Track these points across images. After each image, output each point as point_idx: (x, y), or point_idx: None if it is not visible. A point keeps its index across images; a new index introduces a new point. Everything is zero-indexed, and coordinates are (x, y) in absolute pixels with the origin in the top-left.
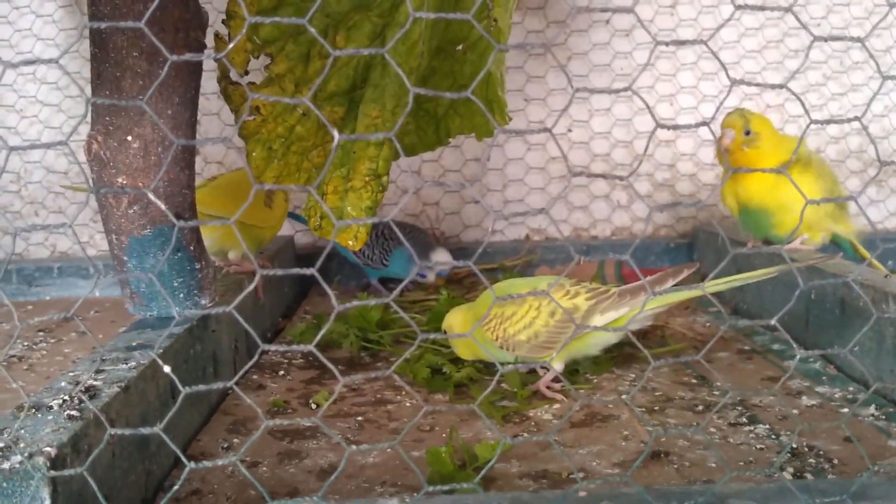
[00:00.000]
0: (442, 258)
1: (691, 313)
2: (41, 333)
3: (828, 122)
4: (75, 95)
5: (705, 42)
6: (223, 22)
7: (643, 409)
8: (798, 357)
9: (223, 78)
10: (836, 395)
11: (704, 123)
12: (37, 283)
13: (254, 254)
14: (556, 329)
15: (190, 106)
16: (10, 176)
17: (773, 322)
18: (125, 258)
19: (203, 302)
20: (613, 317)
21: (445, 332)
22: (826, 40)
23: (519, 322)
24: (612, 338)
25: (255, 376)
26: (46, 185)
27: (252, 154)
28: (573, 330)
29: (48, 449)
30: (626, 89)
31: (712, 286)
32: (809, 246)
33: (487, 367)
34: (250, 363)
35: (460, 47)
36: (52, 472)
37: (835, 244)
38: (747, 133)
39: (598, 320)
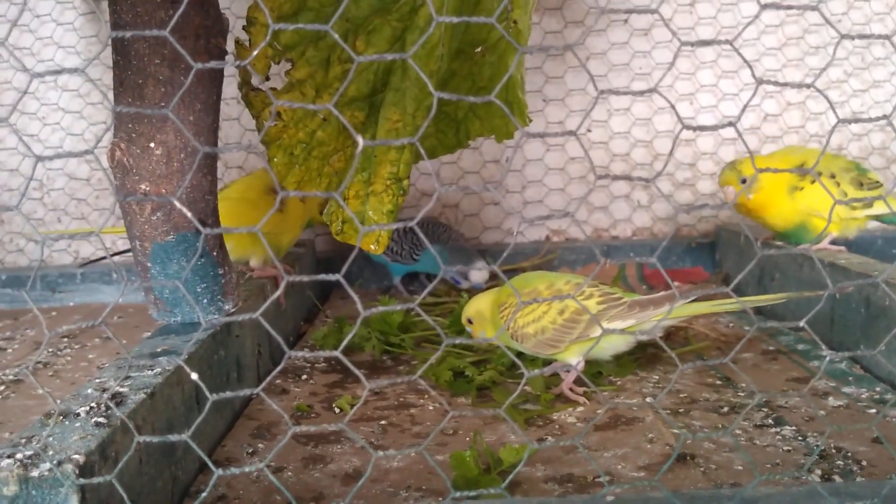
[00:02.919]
0: (479, 277)
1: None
2: (65, 340)
3: (854, 120)
4: (96, 102)
5: (730, 42)
6: (243, 28)
7: (667, 411)
8: (827, 359)
9: (244, 84)
10: (863, 396)
11: (730, 124)
12: (60, 290)
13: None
14: (563, 328)
15: (212, 112)
16: (33, 183)
17: (801, 324)
18: (149, 264)
19: (226, 307)
20: (619, 326)
21: (470, 321)
22: (853, 38)
23: (529, 315)
24: (622, 345)
25: (278, 381)
26: (69, 192)
27: (274, 160)
28: (580, 330)
29: (76, 456)
30: (650, 91)
31: (719, 305)
32: (841, 246)
33: (510, 370)
34: (277, 370)
35: (479, 49)
36: (81, 480)
37: (883, 222)
38: (743, 181)
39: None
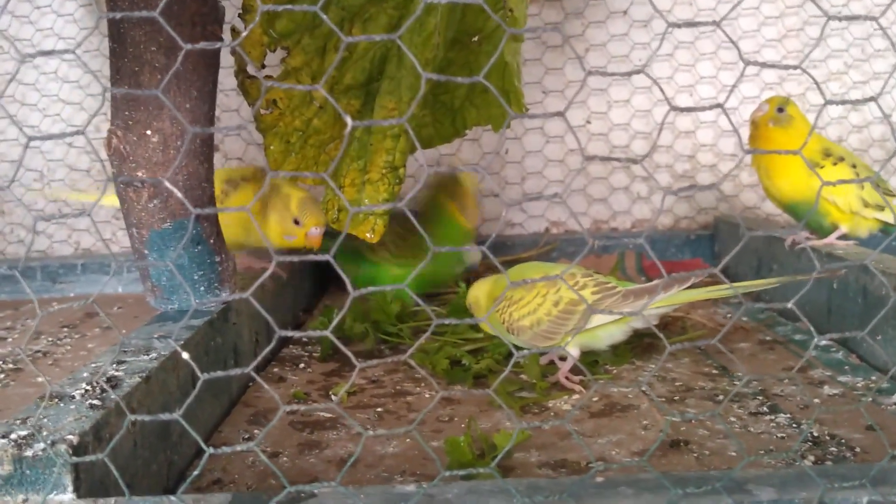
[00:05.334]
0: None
1: (712, 304)
2: (65, 329)
3: (842, 102)
4: (96, 94)
5: (717, 24)
6: (239, 16)
7: (663, 399)
8: (815, 341)
9: (240, 72)
10: (859, 385)
11: (718, 105)
12: (61, 280)
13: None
14: (558, 319)
15: (208, 99)
16: (33, 174)
17: (789, 305)
18: (146, 252)
19: (223, 294)
20: (614, 316)
21: (471, 305)
22: (840, 19)
23: (524, 308)
24: (618, 335)
25: (275, 369)
26: (69, 183)
27: (270, 147)
28: (576, 321)
29: (70, 436)
30: (638, 71)
31: (714, 291)
32: (850, 241)
33: (506, 359)
34: (267, 349)
35: (476, 38)
36: (75, 459)
37: (885, 233)
38: (780, 110)
39: (598, 318)
